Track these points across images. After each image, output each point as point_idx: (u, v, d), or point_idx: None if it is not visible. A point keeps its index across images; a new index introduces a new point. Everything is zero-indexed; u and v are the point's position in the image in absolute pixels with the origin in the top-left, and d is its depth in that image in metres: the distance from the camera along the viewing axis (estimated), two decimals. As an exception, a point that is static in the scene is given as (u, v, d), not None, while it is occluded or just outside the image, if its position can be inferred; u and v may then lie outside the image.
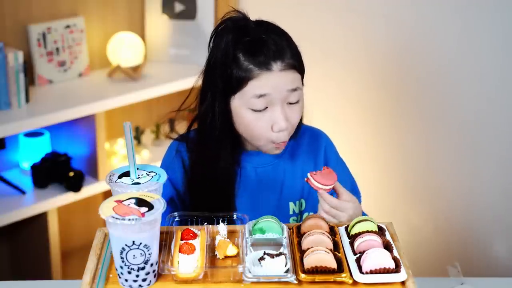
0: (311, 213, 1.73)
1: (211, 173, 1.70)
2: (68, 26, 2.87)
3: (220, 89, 1.64)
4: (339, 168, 1.77)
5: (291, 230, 1.48)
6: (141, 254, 1.31)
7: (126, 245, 1.30)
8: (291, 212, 1.75)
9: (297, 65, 1.64)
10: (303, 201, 1.77)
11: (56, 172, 2.76)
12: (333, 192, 1.64)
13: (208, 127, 1.67)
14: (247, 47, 1.61)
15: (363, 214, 1.70)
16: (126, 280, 1.33)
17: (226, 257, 1.41)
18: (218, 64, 1.63)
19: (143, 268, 1.32)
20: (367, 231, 1.43)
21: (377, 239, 1.41)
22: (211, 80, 1.65)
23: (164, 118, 2.30)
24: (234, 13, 1.66)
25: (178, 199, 1.74)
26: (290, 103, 1.64)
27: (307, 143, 1.79)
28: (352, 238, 1.44)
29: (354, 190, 1.80)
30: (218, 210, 1.57)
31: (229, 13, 1.66)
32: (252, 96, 1.60)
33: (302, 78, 1.68)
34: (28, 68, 2.78)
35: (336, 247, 1.41)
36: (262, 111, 1.62)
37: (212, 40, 1.66)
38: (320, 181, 1.59)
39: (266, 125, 1.62)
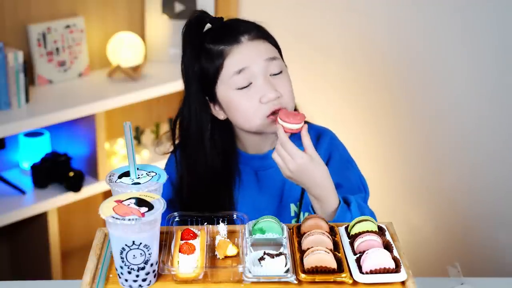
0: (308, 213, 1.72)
1: (199, 177, 1.69)
2: (68, 26, 2.87)
3: (197, 88, 1.63)
4: (343, 168, 1.74)
5: (291, 230, 1.48)
6: (141, 254, 1.31)
7: (126, 245, 1.30)
8: (292, 214, 1.74)
9: (268, 38, 1.65)
10: (303, 202, 1.76)
11: (56, 172, 2.76)
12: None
13: (185, 131, 1.67)
14: (212, 34, 1.63)
15: (368, 214, 1.68)
16: (126, 280, 1.33)
17: (226, 257, 1.41)
18: (190, 64, 1.63)
19: (143, 268, 1.32)
20: (367, 231, 1.43)
21: (377, 239, 1.41)
22: (187, 83, 1.66)
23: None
24: (194, 13, 1.66)
25: (178, 201, 1.74)
26: (274, 75, 1.62)
27: None
28: (352, 238, 1.43)
29: (361, 190, 1.77)
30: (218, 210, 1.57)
31: (190, 17, 1.66)
32: (232, 74, 1.60)
33: (280, 54, 1.67)
34: (28, 68, 2.78)
35: (336, 247, 1.40)
36: (247, 87, 1.60)
37: (182, 46, 1.66)
38: (282, 117, 1.56)
39: (254, 99, 1.60)
